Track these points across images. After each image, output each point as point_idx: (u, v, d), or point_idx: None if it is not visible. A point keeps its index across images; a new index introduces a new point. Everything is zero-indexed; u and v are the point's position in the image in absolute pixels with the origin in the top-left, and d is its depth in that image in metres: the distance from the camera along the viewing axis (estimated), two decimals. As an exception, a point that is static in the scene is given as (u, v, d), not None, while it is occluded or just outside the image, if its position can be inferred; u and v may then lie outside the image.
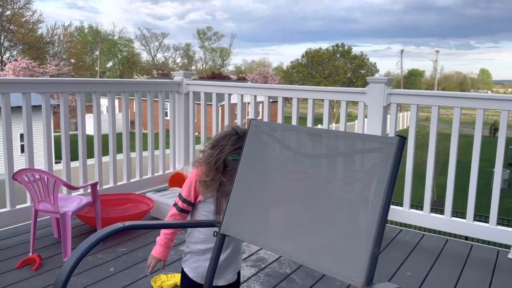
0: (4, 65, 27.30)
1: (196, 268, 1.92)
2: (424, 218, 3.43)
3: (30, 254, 2.85)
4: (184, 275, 1.97)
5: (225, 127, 1.97)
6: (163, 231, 1.99)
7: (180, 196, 1.94)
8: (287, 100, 4.19)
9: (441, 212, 3.46)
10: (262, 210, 1.71)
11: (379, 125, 3.39)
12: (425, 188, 3.42)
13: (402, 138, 1.35)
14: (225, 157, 1.79)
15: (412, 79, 61.98)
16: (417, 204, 4.58)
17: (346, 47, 42.07)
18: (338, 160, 1.55)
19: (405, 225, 3.78)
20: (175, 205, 1.94)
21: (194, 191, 1.92)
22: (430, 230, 3.61)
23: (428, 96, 3.33)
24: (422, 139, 5.76)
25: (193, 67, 57.76)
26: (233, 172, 1.76)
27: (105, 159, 4.06)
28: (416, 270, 2.87)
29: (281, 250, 1.58)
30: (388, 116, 3.55)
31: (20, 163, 3.41)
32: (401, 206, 3.52)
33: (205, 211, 1.91)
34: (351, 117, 3.84)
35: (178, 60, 58.39)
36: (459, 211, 5.05)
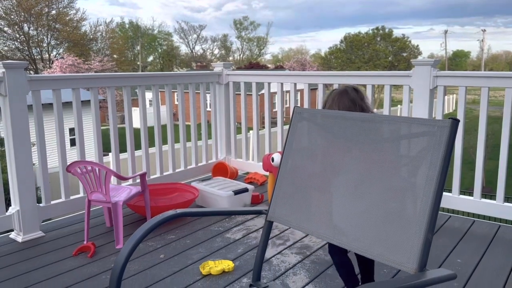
0: (52, 63, 28.46)
1: None
2: (475, 204, 3.32)
3: (85, 242, 2.99)
4: None
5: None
6: None
7: None
8: (327, 87, 4.15)
9: (492, 198, 3.34)
10: (308, 197, 1.71)
11: (425, 109, 3.29)
12: (475, 173, 3.30)
13: (455, 120, 1.31)
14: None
15: (457, 61, 59.34)
16: (464, 190, 4.44)
17: (386, 30, 40.81)
18: (387, 145, 1.53)
19: (454, 212, 3.67)
20: None
21: None
22: (479, 216, 3.49)
23: (477, 77, 3.19)
24: (468, 122, 5.55)
25: (230, 58, 58.00)
26: None
27: (151, 150, 4.18)
28: (467, 258, 2.79)
29: (328, 236, 1.58)
30: (434, 100, 3.44)
31: (70, 156, 3.57)
32: (450, 192, 3.42)
33: None
34: (393, 102, 3.76)
35: (216, 51, 58.83)
36: (510, 197, 4.85)
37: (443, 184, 1.30)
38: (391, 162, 1.48)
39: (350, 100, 2.08)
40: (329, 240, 1.58)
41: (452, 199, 3.38)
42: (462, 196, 3.41)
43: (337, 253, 2.09)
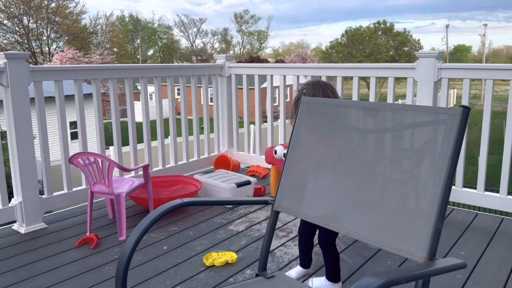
0: (52, 56, 28.38)
1: None
2: (478, 196, 3.31)
3: (88, 233, 2.99)
4: None
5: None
6: None
7: None
8: (330, 79, 4.13)
9: (494, 191, 3.33)
10: (314, 186, 1.70)
11: (429, 102, 3.28)
12: (477, 167, 3.30)
13: (466, 108, 1.29)
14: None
15: (459, 55, 59.13)
16: (465, 185, 4.42)
17: (387, 24, 40.70)
18: (397, 134, 1.51)
19: (455, 205, 3.66)
20: None
21: None
22: (480, 209, 3.49)
23: (482, 70, 3.18)
24: (470, 117, 5.50)
25: (231, 52, 57.80)
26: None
27: (153, 144, 4.17)
28: (470, 250, 2.79)
29: (336, 226, 1.57)
30: (438, 94, 3.43)
31: (72, 149, 3.55)
32: (453, 185, 3.41)
33: None
34: (396, 96, 3.74)
35: (216, 45, 58.66)
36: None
37: (453, 173, 1.28)
38: (400, 151, 1.47)
39: (330, 91, 2.27)
40: (337, 229, 1.57)
41: (456, 192, 3.38)
42: (465, 189, 3.40)
43: (304, 233, 2.41)
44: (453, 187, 3.38)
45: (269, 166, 3.92)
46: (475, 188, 3.36)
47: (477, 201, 3.34)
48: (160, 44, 54.16)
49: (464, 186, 3.42)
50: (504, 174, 3.15)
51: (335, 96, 2.29)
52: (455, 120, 1.29)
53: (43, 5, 31.54)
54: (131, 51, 47.79)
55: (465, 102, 3.27)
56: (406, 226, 1.32)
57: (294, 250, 2.81)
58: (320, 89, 2.26)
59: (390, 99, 3.56)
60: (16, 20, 31.22)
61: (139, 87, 4.01)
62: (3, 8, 30.46)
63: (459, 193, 3.38)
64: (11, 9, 30.73)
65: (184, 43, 58.14)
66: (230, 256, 2.67)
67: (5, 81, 2.96)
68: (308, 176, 1.73)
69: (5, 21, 31.12)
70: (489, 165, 3.25)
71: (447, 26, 46.05)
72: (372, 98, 3.63)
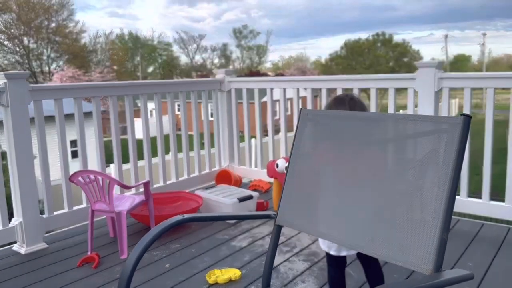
0: (52, 76, 28.56)
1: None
2: (483, 206, 3.27)
3: (89, 253, 2.95)
4: None
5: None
6: None
7: None
8: (331, 92, 4.12)
9: (500, 200, 3.29)
10: (316, 200, 1.68)
11: (431, 112, 3.26)
12: (482, 176, 3.26)
13: (467, 117, 1.27)
14: None
15: (459, 65, 59.03)
16: (471, 194, 4.38)
17: (386, 36, 40.96)
18: (397, 144, 1.50)
19: (460, 215, 3.62)
20: None
21: None
22: (486, 219, 3.44)
23: (483, 78, 3.17)
24: (473, 126, 5.48)
25: (230, 67, 58.11)
26: None
27: (154, 160, 4.15)
28: (478, 261, 2.74)
29: (340, 239, 1.55)
30: (439, 104, 3.41)
31: (72, 168, 3.54)
32: (458, 195, 3.37)
33: None
34: (397, 107, 3.72)
35: (216, 60, 59.00)
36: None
37: (457, 183, 1.27)
38: (402, 162, 1.45)
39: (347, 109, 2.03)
40: (340, 243, 1.55)
41: (461, 202, 3.34)
42: (470, 199, 3.36)
43: (333, 266, 2.13)
44: (458, 197, 3.35)
45: (271, 180, 3.89)
46: (481, 198, 3.32)
47: (482, 211, 3.30)
48: (160, 61, 54.50)
49: (470, 196, 3.38)
50: (510, 183, 3.11)
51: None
52: (456, 129, 1.27)
53: (43, 25, 31.86)
54: (131, 69, 48.08)
55: (466, 111, 3.26)
56: (411, 238, 1.30)
57: (298, 265, 2.76)
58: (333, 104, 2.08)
59: (391, 110, 3.55)
60: (16, 40, 31.51)
61: (139, 104, 4.00)
62: (3, 29, 30.78)
63: (464, 203, 3.34)
64: (12, 30, 31.04)
65: (184, 59, 58.48)
66: (234, 272, 2.62)
67: (5, 101, 2.96)
68: (310, 189, 1.71)
69: (5, 42, 31.42)
70: (494, 174, 3.22)
71: (446, 36, 46.25)
72: (373, 110, 3.61)
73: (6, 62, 32.06)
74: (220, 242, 3.17)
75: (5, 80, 2.95)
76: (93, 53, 35.78)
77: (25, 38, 31.75)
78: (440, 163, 1.28)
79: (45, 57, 32.81)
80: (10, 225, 3.09)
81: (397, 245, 1.33)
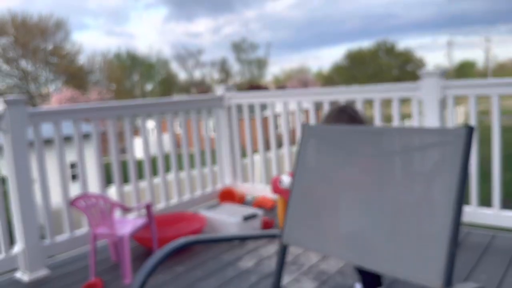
0: (50, 98, 28.65)
1: None
2: (494, 216, 3.18)
3: (92, 278, 2.87)
4: None
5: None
6: None
7: None
8: (333, 105, 4.08)
9: None
10: (322, 216, 1.65)
11: (436, 121, 3.21)
12: (492, 184, 3.19)
13: (469, 128, 1.26)
14: None
15: (464, 71, 58.54)
16: (482, 202, 4.30)
17: (389, 44, 40.86)
18: (401, 158, 1.50)
19: (471, 225, 3.54)
20: None
21: None
22: (498, 228, 3.36)
23: (488, 86, 3.12)
24: (482, 133, 5.42)
25: (230, 82, 58.27)
26: None
27: (155, 181, 4.09)
28: (491, 273, 2.66)
29: (347, 256, 1.52)
30: (445, 112, 3.36)
31: (72, 191, 3.48)
32: (467, 205, 3.29)
33: None
34: (401, 116, 3.70)
35: (216, 75, 59.20)
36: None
37: (463, 195, 1.25)
38: (405, 175, 1.43)
39: (348, 117, 2.10)
40: (347, 260, 1.50)
41: (471, 212, 3.26)
42: (480, 209, 3.28)
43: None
44: (467, 207, 3.28)
45: (276, 196, 3.82)
46: (492, 206, 3.24)
47: (493, 220, 3.22)
48: (158, 78, 54.76)
49: (481, 205, 3.30)
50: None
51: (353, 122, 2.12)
52: (460, 140, 1.26)
53: (41, 47, 32.08)
54: (130, 88, 48.28)
55: (472, 119, 3.20)
56: (420, 252, 1.28)
57: (307, 284, 2.68)
58: (333, 115, 2.14)
59: (395, 121, 3.49)
60: (14, 63, 31.70)
61: (139, 122, 3.95)
62: (1, 52, 30.98)
63: (474, 213, 3.26)
64: (9, 54, 31.25)
65: (183, 75, 58.74)
66: (241, 295, 2.54)
67: (4, 126, 2.94)
68: (315, 205, 1.67)
69: (3, 67, 31.59)
70: (505, 181, 3.14)
71: (449, 42, 45.98)
72: (377, 120, 3.56)
73: (5, 85, 32.21)
74: (225, 263, 3.09)
75: (4, 106, 2.94)
76: (91, 73, 35.97)
77: (22, 61, 31.94)
78: (445, 175, 1.27)
79: (43, 79, 32.98)
80: (12, 252, 3.03)
81: (405, 260, 1.32)
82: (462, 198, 1.25)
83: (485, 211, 3.27)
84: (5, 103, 2.94)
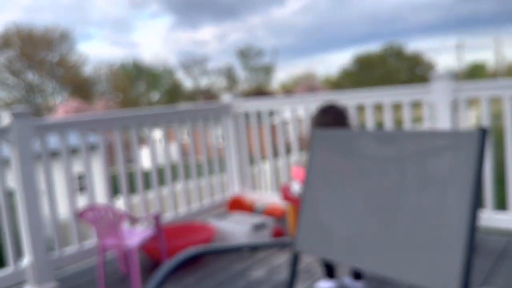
0: (57, 109, 28.84)
1: None
2: (511, 220, 3.11)
3: (101, 291, 2.83)
4: None
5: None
6: None
7: None
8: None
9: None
10: (334, 223, 1.60)
11: (447, 125, 3.14)
12: (507, 187, 3.12)
13: (483, 130, 1.22)
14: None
15: (475, 72, 57.82)
16: (500, 206, 4.22)
17: (397, 47, 40.41)
18: (415, 162, 1.46)
19: (487, 230, 3.46)
20: None
21: None
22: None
23: (501, 88, 3.06)
24: (496, 135, 5.30)
25: (237, 89, 58.22)
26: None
27: (163, 192, 4.05)
28: (508, 279, 2.58)
29: (362, 263, 1.48)
30: (457, 114, 3.30)
31: (79, 202, 3.45)
32: (483, 208, 3.22)
33: None
34: (413, 119, 3.65)
35: (222, 83, 59.27)
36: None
37: (478, 199, 1.22)
38: (419, 180, 1.39)
39: (332, 118, 2.30)
40: (363, 267, 1.46)
41: (487, 216, 3.18)
42: (496, 213, 3.21)
43: None
44: (483, 211, 3.20)
45: (286, 203, 3.77)
46: (508, 210, 3.17)
47: (509, 224, 3.15)
48: (165, 87, 54.88)
49: (497, 209, 3.22)
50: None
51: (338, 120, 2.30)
52: (473, 142, 1.22)
53: (46, 59, 32.38)
54: (136, 97, 48.48)
55: (485, 121, 3.14)
56: (436, 259, 1.25)
57: (321, 294, 2.62)
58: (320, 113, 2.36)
59: (406, 124, 3.44)
60: (21, 75, 32.01)
61: (145, 131, 3.93)
62: (8, 64, 31.29)
63: (491, 218, 3.19)
64: (16, 66, 31.56)
65: (189, 83, 58.75)
66: (254, 306, 2.48)
67: (11, 138, 2.93)
68: (327, 212, 1.63)
69: (9, 80, 31.89)
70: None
71: (458, 45, 45.42)
72: (388, 124, 3.51)
73: (11, 98, 32.49)
74: (236, 272, 3.04)
75: (11, 118, 2.94)
76: (96, 84, 36.23)
77: (29, 73, 32.24)
78: (460, 179, 1.24)
79: (50, 90, 33.24)
80: (21, 265, 3.00)
81: (421, 266, 1.28)
82: (477, 201, 1.21)
83: (502, 215, 3.19)
84: (12, 116, 2.94)
